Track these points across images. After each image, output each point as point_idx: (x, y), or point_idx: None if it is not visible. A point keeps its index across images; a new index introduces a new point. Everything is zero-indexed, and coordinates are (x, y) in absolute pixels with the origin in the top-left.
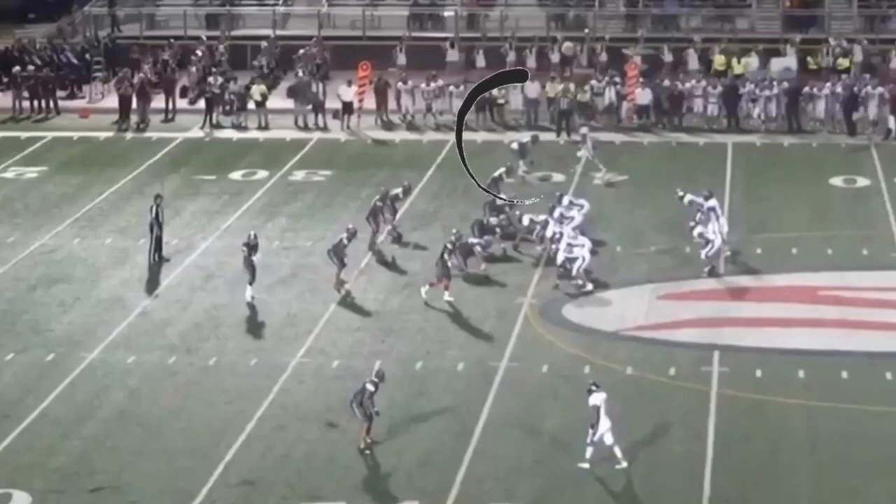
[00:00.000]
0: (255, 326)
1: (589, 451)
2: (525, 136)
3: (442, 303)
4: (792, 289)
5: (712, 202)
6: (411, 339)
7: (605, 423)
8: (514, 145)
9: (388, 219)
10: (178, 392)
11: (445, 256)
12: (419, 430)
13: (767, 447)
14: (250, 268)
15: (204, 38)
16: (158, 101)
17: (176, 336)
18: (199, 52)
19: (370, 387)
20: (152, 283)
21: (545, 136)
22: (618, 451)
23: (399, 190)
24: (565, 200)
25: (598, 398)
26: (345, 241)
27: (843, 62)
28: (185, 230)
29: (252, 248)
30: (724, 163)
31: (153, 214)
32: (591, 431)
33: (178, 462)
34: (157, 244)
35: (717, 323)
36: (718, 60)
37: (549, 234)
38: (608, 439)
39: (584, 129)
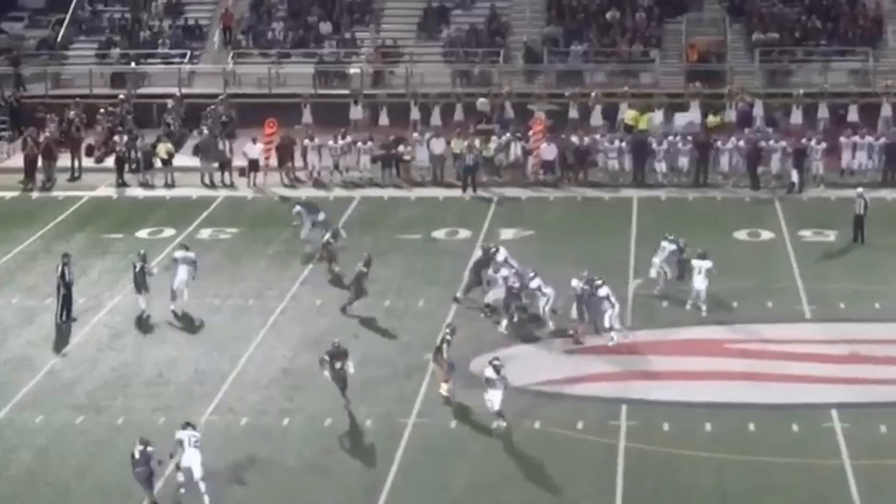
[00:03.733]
0: (162, 384)
1: None
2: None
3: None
4: (698, 342)
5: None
6: (320, 395)
7: None
8: (297, 207)
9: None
10: (87, 451)
11: (444, 349)
12: (329, 486)
13: (677, 501)
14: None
15: (122, 96)
16: (64, 160)
17: (84, 395)
18: (104, 111)
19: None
20: (60, 343)
21: (452, 192)
22: None
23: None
24: (501, 255)
25: None
26: (364, 270)
27: (714, 119)
28: (93, 289)
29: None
30: (629, 216)
31: (59, 273)
32: None
33: None
34: (66, 303)
35: (624, 376)
36: (629, 115)
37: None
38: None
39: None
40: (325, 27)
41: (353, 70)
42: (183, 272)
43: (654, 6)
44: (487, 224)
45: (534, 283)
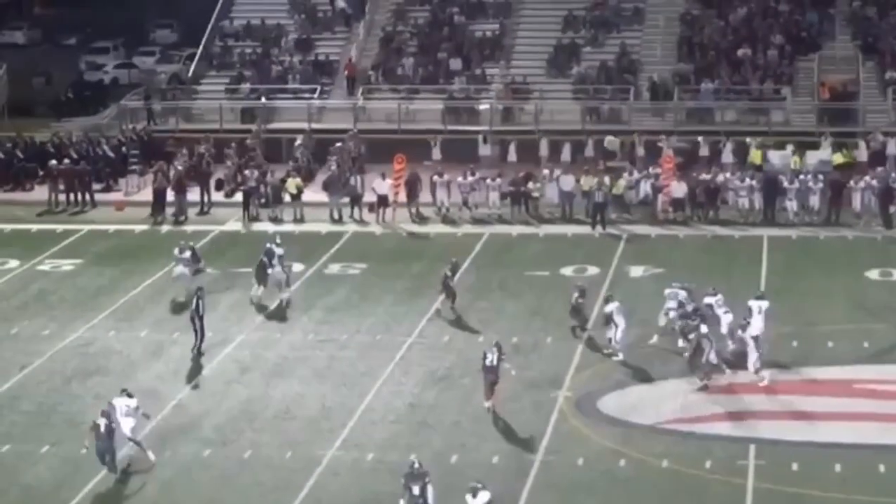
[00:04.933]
0: (290, 419)
1: None
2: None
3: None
4: (828, 382)
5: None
6: (447, 432)
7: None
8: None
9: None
10: (214, 485)
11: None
12: None
13: None
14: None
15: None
16: (194, 195)
17: (211, 429)
18: (234, 145)
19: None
20: (188, 376)
21: (581, 229)
22: None
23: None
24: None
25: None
26: (448, 273)
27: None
28: (222, 322)
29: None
30: (759, 255)
31: (194, 307)
32: None
33: None
34: (200, 336)
35: (752, 416)
36: (754, 154)
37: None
38: None
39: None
40: (455, 63)
41: (482, 106)
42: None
43: (785, 44)
44: (616, 261)
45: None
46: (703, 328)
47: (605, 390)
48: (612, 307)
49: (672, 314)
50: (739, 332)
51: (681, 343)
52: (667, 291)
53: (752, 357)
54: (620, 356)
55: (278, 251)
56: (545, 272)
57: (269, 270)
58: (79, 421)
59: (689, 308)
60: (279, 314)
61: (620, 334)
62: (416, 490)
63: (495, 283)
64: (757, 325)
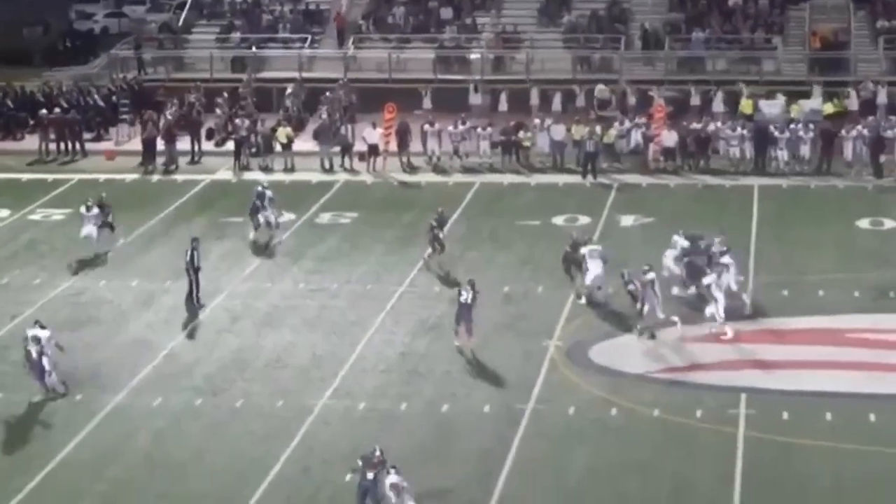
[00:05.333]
0: (281, 368)
1: None
2: None
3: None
4: (819, 331)
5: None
6: (437, 381)
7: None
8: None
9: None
10: (204, 434)
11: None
12: (445, 472)
13: (795, 490)
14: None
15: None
16: (184, 144)
17: (202, 378)
18: (224, 95)
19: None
20: (179, 325)
21: (572, 179)
22: None
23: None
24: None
25: None
26: (433, 224)
27: (832, 106)
28: (212, 272)
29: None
30: (750, 205)
31: (188, 257)
32: None
33: None
34: (196, 286)
35: (743, 365)
36: (745, 104)
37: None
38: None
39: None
40: (446, 12)
41: (473, 56)
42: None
43: None
44: (607, 211)
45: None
46: (707, 279)
47: (596, 339)
48: (585, 250)
49: (670, 262)
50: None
51: (675, 291)
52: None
53: (714, 307)
54: (583, 300)
55: (268, 193)
56: (536, 221)
57: (260, 214)
58: (69, 370)
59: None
60: (270, 264)
61: (590, 278)
62: (369, 475)
63: (486, 233)
64: (594, 271)
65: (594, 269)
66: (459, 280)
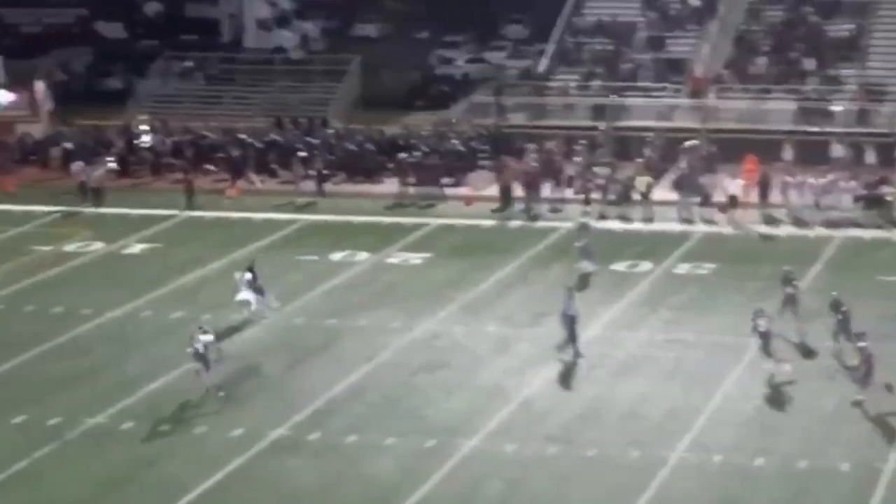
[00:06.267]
0: (636, 419)
1: None
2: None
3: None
4: None
5: None
6: (796, 436)
7: None
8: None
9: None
10: (556, 483)
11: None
12: None
13: None
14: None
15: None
16: (543, 191)
17: (557, 427)
18: (583, 142)
19: None
20: (533, 372)
21: None
22: None
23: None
24: None
25: None
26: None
27: None
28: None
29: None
30: None
31: (564, 305)
32: None
33: None
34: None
35: None
36: None
37: None
38: None
39: None
40: (809, 63)
41: (836, 108)
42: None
43: None
44: None
45: None
46: None
47: None
48: None
49: None
50: None
51: None
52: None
53: None
54: None
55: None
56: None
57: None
58: (423, 414)
59: None
60: (627, 313)
61: None
62: None
63: (846, 288)
64: None
65: None
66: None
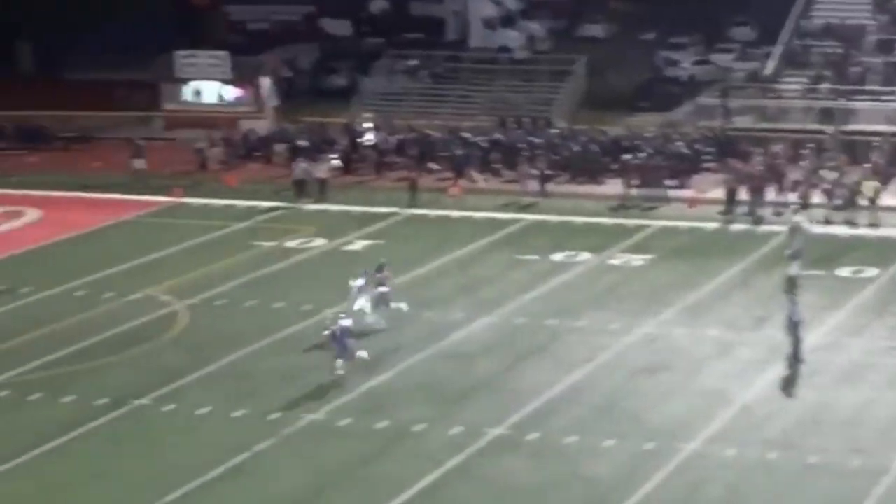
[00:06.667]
0: (859, 425)
1: None
2: None
3: None
4: None
5: None
6: None
7: None
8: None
9: None
10: (776, 489)
11: None
12: None
13: None
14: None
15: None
16: (768, 194)
17: (778, 432)
18: (810, 146)
19: None
20: (754, 377)
21: None
22: None
23: None
24: None
25: None
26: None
27: None
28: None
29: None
30: None
31: (789, 311)
32: None
33: None
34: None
35: None
36: None
37: None
38: None
39: None
40: None
41: None
42: None
43: None
44: None
45: None
46: None
47: None
48: None
49: None
50: None
51: None
52: None
53: None
54: None
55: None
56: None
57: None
58: (643, 417)
59: None
60: (851, 318)
61: None
62: None
63: None
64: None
65: None
66: None
